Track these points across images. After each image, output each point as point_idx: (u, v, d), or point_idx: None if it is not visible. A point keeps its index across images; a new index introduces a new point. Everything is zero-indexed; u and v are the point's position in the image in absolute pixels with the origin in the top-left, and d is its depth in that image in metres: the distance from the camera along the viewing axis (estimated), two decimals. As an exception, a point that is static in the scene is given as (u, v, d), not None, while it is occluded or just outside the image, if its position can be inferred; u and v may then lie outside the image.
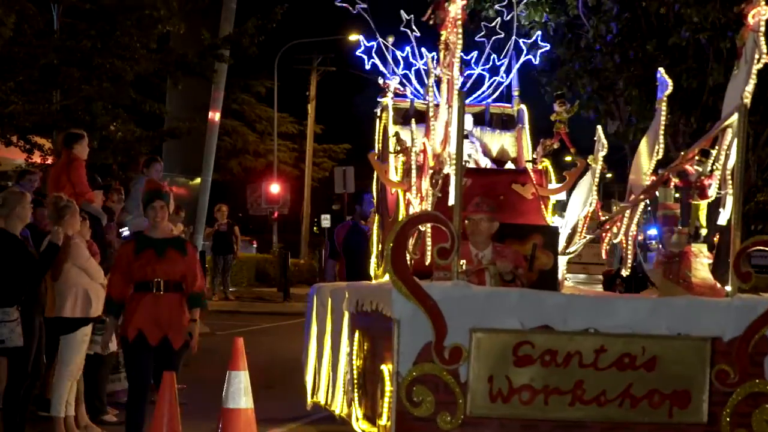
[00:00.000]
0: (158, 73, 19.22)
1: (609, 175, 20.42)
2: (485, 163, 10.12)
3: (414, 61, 10.27)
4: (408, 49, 10.25)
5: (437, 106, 9.40)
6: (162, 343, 8.52)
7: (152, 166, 12.37)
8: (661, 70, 8.48)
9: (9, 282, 8.69)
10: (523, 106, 10.58)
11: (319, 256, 29.82)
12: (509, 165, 10.26)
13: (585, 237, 9.01)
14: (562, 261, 9.28)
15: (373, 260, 10.44)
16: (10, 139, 18.21)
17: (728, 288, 7.32)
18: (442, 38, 8.65)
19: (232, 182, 37.99)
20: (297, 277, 31.94)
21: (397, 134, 9.46)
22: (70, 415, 9.73)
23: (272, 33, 20.36)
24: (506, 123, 10.61)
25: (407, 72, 10.28)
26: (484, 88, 10.49)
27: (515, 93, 10.61)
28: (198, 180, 24.54)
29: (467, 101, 10.06)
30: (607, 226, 8.65)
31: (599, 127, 8.98)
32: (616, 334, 6.91)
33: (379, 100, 10.26)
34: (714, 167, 7.88)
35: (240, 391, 7.72)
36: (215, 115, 23.76)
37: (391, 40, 10.31)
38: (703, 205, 8.16)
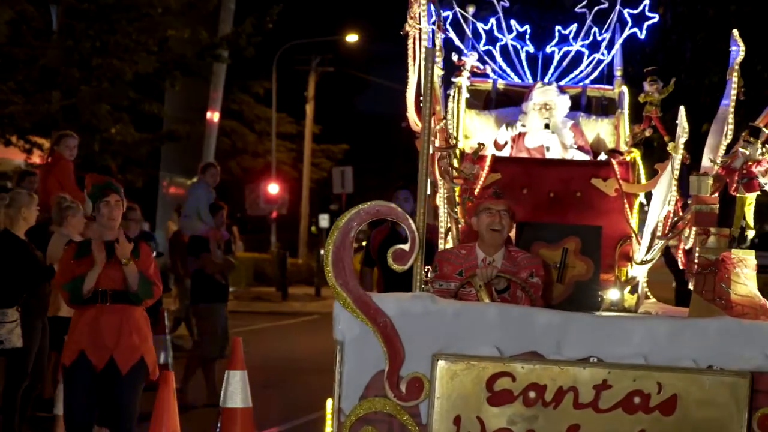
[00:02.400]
0: (157, 73, 19.27)
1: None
2: (570, 156, 8.52)
3: (500, 36, 8.86)
4: (493, 21, 8.86)
5: (525, 87, 8.45)
6: (107, 367, 7.25)
7: (208, 170, 13.28)
8: (735, 32, 6.99)
9: (9, 283, 8.71)
10: (625, 89, 8.82)
11: (317, 256, 29.85)
12: (602, 157, 8.52)
13: (659, 242, 7.27)
14: (643, 271, 7.66)
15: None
16: (10, 140, 18.26)
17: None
18: None
19: (231, 182, 37.96)
20: (295, 277, 32.03)
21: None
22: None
23: (271, 33, 20.37)
24: (606, 108, 8.90)
25: (491, 48, 8.86)
26: (582, 66, 8.90)
27: (617, 73, 8.93)
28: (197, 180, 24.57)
29: (563, 82, 8.70)
30: (680, 228, 6.99)
31: (682, 108, 7.13)
32: (624, 366, 5.47)
33: (453, 80, 8.69)
34: (765, 149, 6.52)
35: (238, 391, 7.71)
36: (214, 116, 23.82)
37: (471, 10, 8.84)
38: (751, 198, 6.51)
